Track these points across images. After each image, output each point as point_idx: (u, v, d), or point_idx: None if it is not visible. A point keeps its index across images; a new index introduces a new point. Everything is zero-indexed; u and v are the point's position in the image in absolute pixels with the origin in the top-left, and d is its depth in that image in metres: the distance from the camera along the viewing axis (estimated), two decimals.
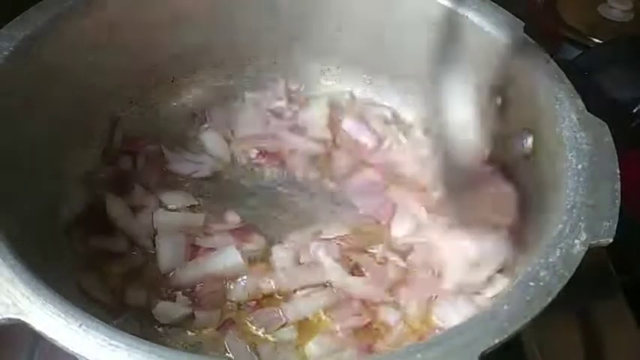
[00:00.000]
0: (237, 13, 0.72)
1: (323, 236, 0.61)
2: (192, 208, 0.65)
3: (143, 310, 0.56)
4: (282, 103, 0.74)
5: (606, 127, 0.52)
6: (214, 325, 0.56)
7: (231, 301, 0.57)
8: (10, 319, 0.38)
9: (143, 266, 0.60)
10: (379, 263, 0.60)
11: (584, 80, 0.75)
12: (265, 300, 0.57)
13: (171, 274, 0.58)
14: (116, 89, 0.69)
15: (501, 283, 0.56)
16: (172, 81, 0.74)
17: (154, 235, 0.61)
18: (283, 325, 0.56)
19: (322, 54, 0.75)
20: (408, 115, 0.74)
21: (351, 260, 0.60)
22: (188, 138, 0.73)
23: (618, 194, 0.47)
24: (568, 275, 0.42)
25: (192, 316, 0.56)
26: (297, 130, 0.72)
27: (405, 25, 0.69)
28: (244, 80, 0.77)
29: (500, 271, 0.57)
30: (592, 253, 0.44)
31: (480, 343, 0.38)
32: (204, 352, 0.54)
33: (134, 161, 0.69)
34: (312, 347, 0.55)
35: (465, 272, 0.57)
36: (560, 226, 0.45)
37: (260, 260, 0.60)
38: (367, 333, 0.56)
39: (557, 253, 0.43)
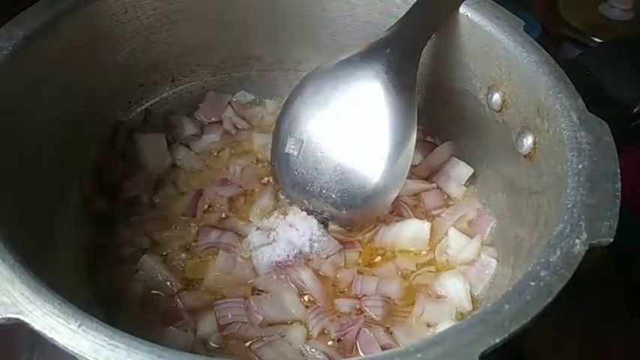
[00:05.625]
0: (237, 12, 0.72)
1: None
2: None
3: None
4: None
5: (606, 127, 0.52)
6: None
7: None
8: (9, 318, 0.38)
9: None
10: None
11: (584, 80, 0.75)
12: None
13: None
14: (115, 89, 0.69)
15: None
16: (172, 80, 0.74)
17: None
18: None
19: (323, 53, 0.75)
20: None
21: None
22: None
23: (618, 194, 0.47)
24: (568, 275, 0.42)
25: None
26: None
27: None
28: (244, 80, 0.78)
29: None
30: (592, 253, 0.44)
31: (480, 343, 0.38)
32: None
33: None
34: None
35: None
36: (561, 225, 0.45)
37: None
38: None
39: (558, 252, 0.43)
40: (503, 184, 0.64)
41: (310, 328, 0.57)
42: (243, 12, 0.72)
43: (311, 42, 0.75)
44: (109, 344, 0.37)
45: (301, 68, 0.76)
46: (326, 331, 0.57)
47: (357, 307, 0.59)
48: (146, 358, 0.36)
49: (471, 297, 0.60)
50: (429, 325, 0.58)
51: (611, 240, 0.44)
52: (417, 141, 0.61)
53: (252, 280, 0.60)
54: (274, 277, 0.60)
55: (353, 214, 0.62)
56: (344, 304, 0.59)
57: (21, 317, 0.38)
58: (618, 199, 0.47)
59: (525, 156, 0.58)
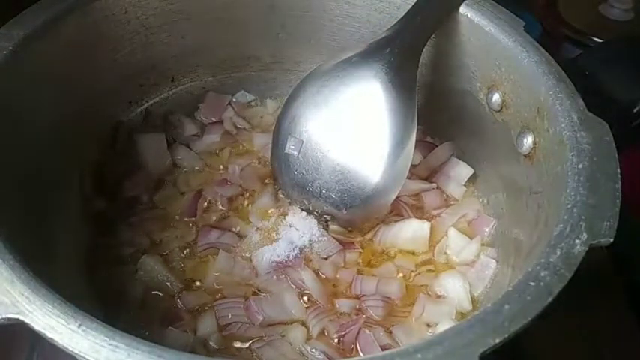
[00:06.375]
0: (237, 12, 0.72)
1: None
2: None
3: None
4: None
5: (606, 127, 0.52)
6: None
7: None
8: (9, 318, 0.38)
9: None
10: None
11: (584, 80, 0.75)
12: None
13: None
14: (115, 89, 0.69)
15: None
16: (172, 80, 0.74)
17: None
18: None
19: (323, 53, 0.75)
20: None
21: None
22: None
23: (619, 194, 0.47)
24: (568, 275, 0.42)
25: None
26: None
27: None
28: (244, 80, 0.78)
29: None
30: (592, 253, 0.44)
31: (480, 343, 0.38)
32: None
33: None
34: None
35: None
36: (561, 225, 0.45)
37: None
38: None
39: (558, 252, 0.43)
40: (503, 184, 0.64)
41: (310, 328, 0.57)
42: (243, 12, 0.72)
43: (311, 42, 0.75)
44: (109, 344, 0.37)
45: (301, 68, 0.76)
46: (326, 331, 0.57)
47: (357, 307, 0.59)
48: (146, 358, 0.36)
49: (471, 297, 0.60)
50: (429, 325, 0.58)
51: (611, 240, 0.44)
52: (416, 141, 0.61)
53: (252, 280, 0.60)
54: (274, 277, 0.60)
55: (353, 215, 0.62)
56: (344, 304, 0.59)
57: (21, 317, 0.38)
58: (618, 199, 0.47)
59: (525, 156, 0.58)
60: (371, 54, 0.61)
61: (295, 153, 0.63)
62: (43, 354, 0.60)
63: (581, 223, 0.45)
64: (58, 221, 0.59)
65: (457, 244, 0.64)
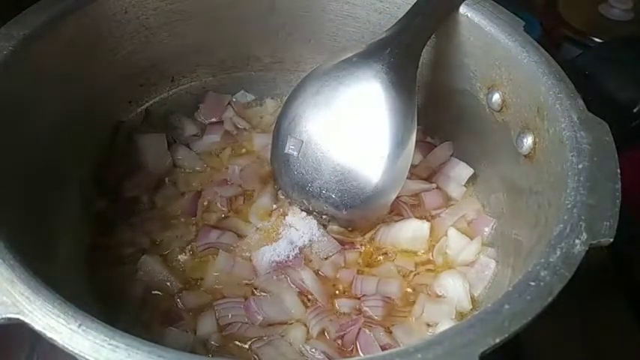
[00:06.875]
0: (237, 12, 0.72)
1: None
2: None
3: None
4: None
5: (606, 127, 0.52)
6: None
7: None
8: (9, 318, 0.38)
9: None
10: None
11: (584, 80, 0.75)
12: None
13: None
14: (115, 89, 0.69)
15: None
16: (172, 80, 0.74)
17: None
18: None
19: (323, 53, 0.75)
20: None
21: None
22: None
23: (619, 194, 0.47)
24: (568, 275, 0.42)
25: None
26: None
27: None
28: (244, 80, 0.78)
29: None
30: (592, 253, 0.44)
31: (480, 343, 0.38)
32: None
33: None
34: None
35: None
36: (561, 225, 0.45)
37: None
38: None
39: (558, 252, 0.43)
40: (503, 184, 0.64)
41: (310, 328, 0.57)
42: (243, 12, 0.72)
43: (311, 42, 0.75)
44: (109, 344, 0.37)
45: (301, 68, 0.76)
46: (326, 331, 0.57)
47: (357, 307, 0.59)
48: (146, 358, 0.36)
49: (471, 297, 0.60)
50: (429, 325, 0.58)
51: (611, 240, 0.44)
52: (416, 141, 0.61)
53: (252, 280, 0.60)
54: (274, 277, 0.60)
55: (353, 215, 0.62)
56: (344, 304, 0.59)
57: (21, 317, 0.38)
58: (618, 199, 0.47)
59: (525, 156, 0.58)
60: (371, 54, 0.61)
61: (295, 153, 0.63)
62: (43, 354, 0.60)
63: (581, 223, 0.45)
64: (58, 221, 0.59)
65: (457, 244, 0.64)
